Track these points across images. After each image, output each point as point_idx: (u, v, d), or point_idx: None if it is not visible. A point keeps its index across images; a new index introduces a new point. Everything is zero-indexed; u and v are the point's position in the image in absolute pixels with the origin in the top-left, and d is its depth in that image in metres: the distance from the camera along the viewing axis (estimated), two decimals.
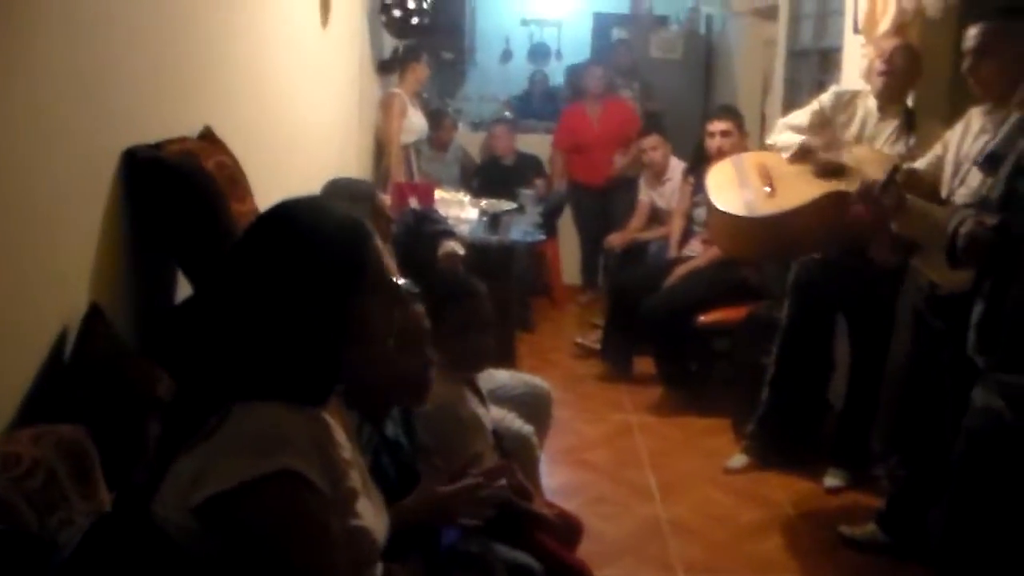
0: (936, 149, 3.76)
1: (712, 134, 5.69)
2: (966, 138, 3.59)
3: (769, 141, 4.59)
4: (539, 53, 10.78)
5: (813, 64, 6.25)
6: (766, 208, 4.08)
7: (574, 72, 9.04)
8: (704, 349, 5.90)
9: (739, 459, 4.85)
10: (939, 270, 3.44)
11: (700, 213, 5.89)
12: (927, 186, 3.66)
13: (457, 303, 2.92)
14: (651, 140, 6.68)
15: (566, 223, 8.23)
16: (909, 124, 4.27)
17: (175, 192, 2.60)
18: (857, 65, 4.85)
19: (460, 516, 2.26)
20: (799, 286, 4.63)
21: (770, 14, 7.19)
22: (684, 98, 8.27)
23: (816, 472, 4.69)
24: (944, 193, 3.57)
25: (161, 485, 1.54)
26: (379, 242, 1.74)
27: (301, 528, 1.52)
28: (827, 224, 4.03)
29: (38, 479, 1.56)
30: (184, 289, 2.82)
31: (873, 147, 4.23)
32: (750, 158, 4.49)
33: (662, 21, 9.57)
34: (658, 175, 6.78)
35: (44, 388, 2.04)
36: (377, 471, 2.02)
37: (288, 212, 1.71)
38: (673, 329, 5.69)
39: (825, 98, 4.47)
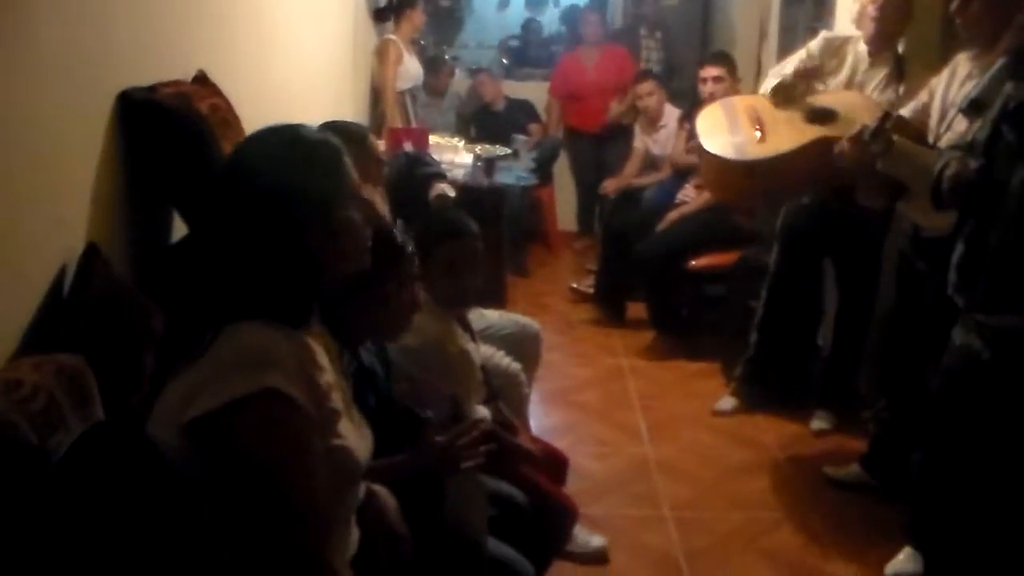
0: (922, 96, 3.79)
1: (704, 80, 5.72)
2: (952, 84, 3.62)
3: (761, 91, 4.61)
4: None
5: (808, 10, 6.26)
6: (756, 152, 4.12)
7: (571, 15, 9.00)
8: (695, 293, 5.97)
9: (727, 401, 4.94)
10: (924, 213, 3.50)
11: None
12: (914, 132, 3.70)
13: (446, 242, 2.97)
14: (646, 86, 6.69)
15: (562, 169, 8.26)
16: (899, 71, 4.28)
17: (169, 133, 2.64)
18: (850, 11, 4.87)
19: (461, 462, 2.35)
20: (787, 231, 4.69)
21: None
22: (681, 44, 8.24)
23: (803, 415, 4.78)
24: (931, 139, 3.61)
25: (154, 407, 1.62)
26: (350, 161, 1.83)
27: (285, 446, 1.59)
28: (816, 169, 4.07)
29: (39, 402, 1.63)
30: (180, 229, 2.88)
31: (863, 93, 4.26)
32: (740, 102, 4.50)
33: None
34: (653, 121, 6.80)
35: (44, 323, 2.10)
36: (357, 397, 2.08)
37: (259, 138, 1.80)
38: (665, 273, 5.76)
39: (814, 44, 4.48)
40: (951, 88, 3.62)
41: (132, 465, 1.46)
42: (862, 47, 4.36)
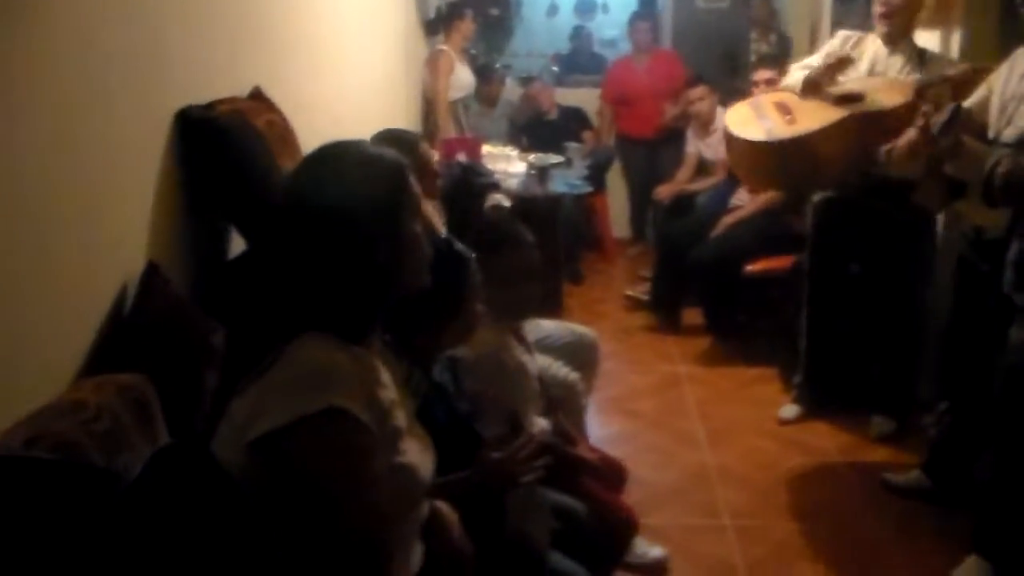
0: (981, 90, 3.75)
1: (757, 83, 5.69)
2: (1012, 78, 3.57)
3: (782, 85, 4.60)
4: (585, 7, 10.71)
5: (860, 9, 6.18)
6: (787, 133, 4.07)
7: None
8: (752, 298, 5.91)
9: (790, 409, 4.89)
10: (986, 213, 3.45)
11: None
12: (976, 127, 3.65)
13: (503, 252, 2.95)
14: (698, 91, 6.67)
15: (615, 176, 8.25)
16: (920, 59, 4.31)
17: (227, 151, 2.67)
18: None
19: (520, 477, 2.34)
20: (818, 230, 4.70)
21: None
22: (732, 47, 8.19)
23: (863, 420, 4.72)
24: (991, 134, 3.56)
25: (218, 426, 1.64)
26: (414, 177, 1.83)
27: (347, 464, 1.60)
28: (851, 148, 4.04)
29: (104, 423, 1.65)
30: (238, 245, 2.90)
31: (886, 76, 4.29)
32: (766, 98, 4.47)
33: None
34: (705, 126, 6.78)
35: (106, 342, 2.12)
36: (427, 415, 2.09)
37: (324, 153, 1.80)
38: (720, 279, 5.73)
39: (835, 41, 4.55)
40: (1011, 82, 3.57)
41: (201, 488, 1.47)
42: (878, 42, 4.40)
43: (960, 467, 3.91)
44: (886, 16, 4.30)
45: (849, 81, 4.31)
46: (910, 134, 3.69)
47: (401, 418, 1.77)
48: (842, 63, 4.30)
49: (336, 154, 1.79)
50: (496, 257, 2.89)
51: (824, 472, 4.35)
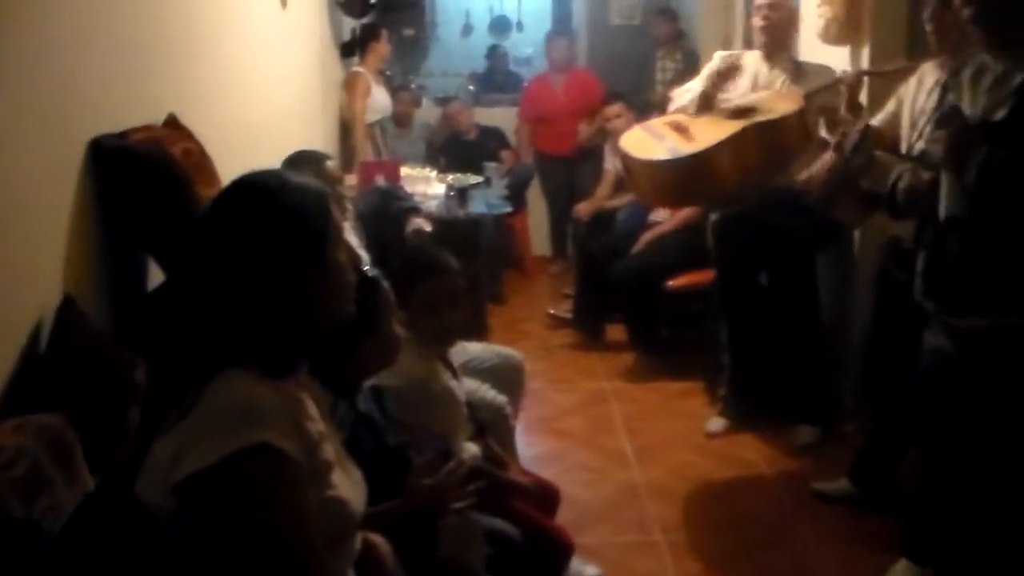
0: (890, 105, 3.84)
1: (672, 100, 5.72)
2: (920, 93, 3.65)
3: (672, 108, 4.68)
4: (500, 25, 10.77)
5: None
6: (691, 148, 4.10)
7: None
8: (674, 313, 5.96)
9: (717, 422, 4.91)
10: (903, 223, 3.52)
11: None
12: (887, 142, 3.72)
13: (428, 280, 2.94)
14: (614, 108, 6.69)
15: (534, 194, 8.26)
16: (798, 71, 4.48)
17: (142, 180, 2.62)
18: (814, 25, 4.91)
19: (451, 503, 2.32)
20: (720, 248, 4.78)
21: None
22: (644, 64, 8.27)
23: (790, 431, 4.75)
24: (904, 147, 3.64)
25: (142, 467, 1.58)
26: (336, 208, 1.79)
27: (279, 500, 1.56)
28: (752, 158, 4.09)
29: (21, 467, 1.59)
30: (156, 276, 2.84)
31: (773, 89, 4.42)
32: (656, 122, 4.52)
33: None
34: None
35: (22, 381, 2.06)
36: (355, 446, 2.06)
37: (247, 183, 1.75)
38: (643, 295, 5.76)
39: (714, 62, 4.67)
40: (919, 97, 3.64)
41: (128, 536, 1.42)
42: (758, 55, 4.58)
43: (886, 473, 3.97)
44: (766, 29, 4.52)
45: (737, 98, 4.40)
46: (825, 159, 3.77)
47: (330, 451, 1.73)
48: (730, 70, 4.40)
49: (256, 185, 1.74)
50: (421, 285, 2.87)
51: (753, 483, 4.38)
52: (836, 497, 4.10)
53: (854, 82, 3.91)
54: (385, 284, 2.45)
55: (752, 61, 4.61)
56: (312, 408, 1.72)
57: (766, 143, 4.00)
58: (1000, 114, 2.74)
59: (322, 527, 1.63)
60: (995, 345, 2.88)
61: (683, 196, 4.61)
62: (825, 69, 4.37)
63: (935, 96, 3.49)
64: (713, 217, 4.82)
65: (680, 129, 4.23)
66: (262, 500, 1.54)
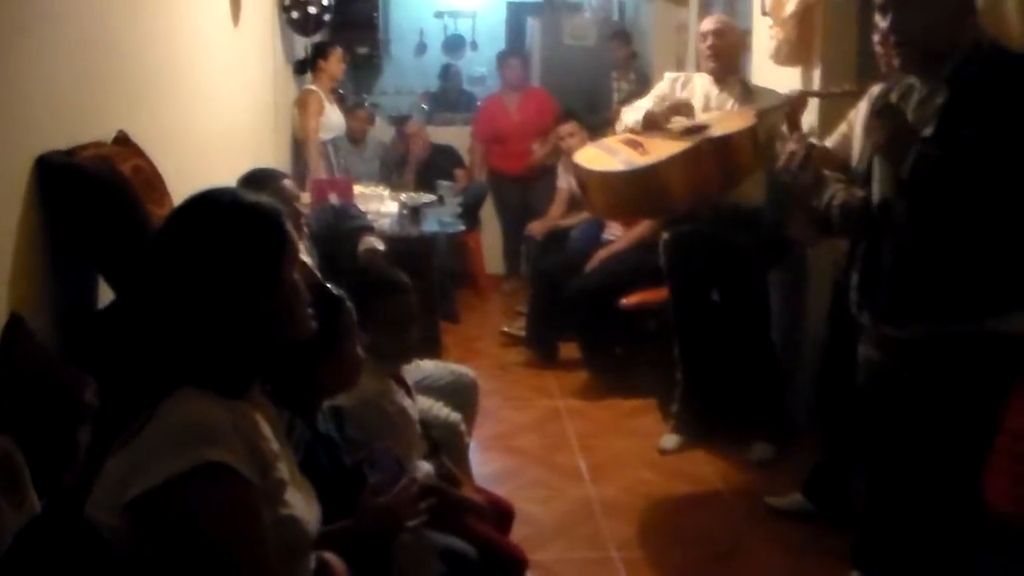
0: (842, 127, 3.87)
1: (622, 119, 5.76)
2: (869, 115, 3.69)
3: (620, 127, 4.70)
4: (454, 44, 10.78)
5: None
6: (645, 160, 4.14)
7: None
8: (628, 331, 5.96)
9: (670, 439, 4.93)
10: None
11: None
12: (838, 163, 3.76)
13: (382, 299, 2.94)
14: (568, 127, 6.70)
15: (488, 213, 8.27)
16: (747, 93, 4.55)
17: (91, 198, 2.59)
18: (766, 47, 4.96)
19: (405, 521, 2.31)
20: (671, 266, 4.84)
21: None
22: (598, 84, 8.32)
23: (744, 446, 4.79)
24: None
25: (92, 487, 1.56)
26: (291, 227, 1.78)
27: (232, 520, 1.54)
28: (706, 173, 4.12)
29: None
30: (106, 294, 2.81)
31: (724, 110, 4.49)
32: (611, 139, 4.58)
33: (575, 7, 9.62)
34: None
35: None
36: (312, 465, 2.05)
37: (201, 202, 1.73)
38: (596, 313, 5.77)
39: (663, 84, 4.77)
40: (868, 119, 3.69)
41: (76, 560, 1.40)
42: (707, 78, 4.65)
43: (839, 487, 4.00)
44: (713, 55, 4.59)
45: (688, 119, 4.43)
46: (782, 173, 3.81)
47: (284, 470, 1.71)
48: (680, 108, 4.43)
49: (210, 203, 1.72)
50: (376, 304, 2.86)
51: (707, 499, 4.39)
52: (790, 512, 4.13)
53: (796, 102, 3.96)
54: (348, 304, 2.44)
55: (702, 83, 4.66)
56: (266, 427, 1.71)
57: (719, 158, 4.04)
58: (927, 131, 2.81)
59: (276, 545, 1.62)
60: (927, 353, 2.94)
61: (637, 209, 4.65)
62: (774, 93, 4.42)
63: None
64: (665, 235, 4.85)
65: (634, 144, 4.26)
66: (215, 519, 1.53)
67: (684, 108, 4.45)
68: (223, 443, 1.56)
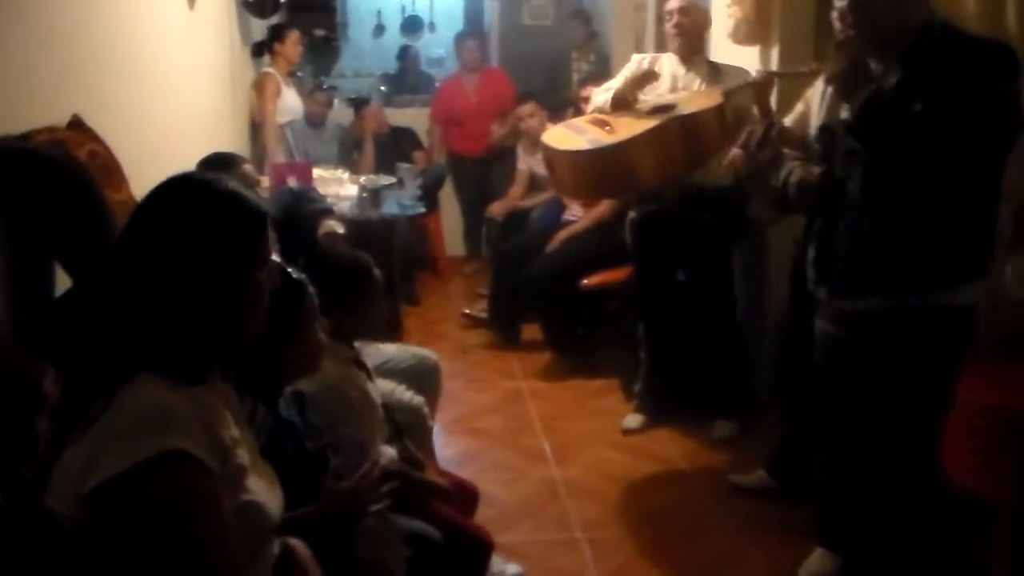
0: (799, 106, 3.89)
1: (586, 99, 5.75)
2: (827, 92, 3.71)
3: (589, 108, 4.72)
4: (412, 26, 10.71)
5: None
6: (611, 139, 4.16)
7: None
8: (590, 312, 5.98)
9: (633, 418, 4.95)
10: None
11: None
12: (797, 142, 3.78)
13: (344, 282, 2.93)
14: (527, 108, 6.70)
15: (447, 195, 8.24)
16: (715, 72, 4.56)
17: (46, 183, 2.54)
18: (724, 25, 4.97)
19: (368, 505, 2.30)
20: (637, 246, 4.86)
21: None
22: (557, 64, 8.30)
23: (706, 425, 4.82)
24: None
25: (51, 478, 1.54)
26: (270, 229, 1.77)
27: (193, 506, 1.53)
28: (672, 152, 4.14)
29: None
30: (63, 282, 2.77)
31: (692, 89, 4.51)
32: (579, 120, 4.62)
33: None
34: (535, 142, 6.76)
35: None
36: (274, 451, 2.03)
37: (186, 185, 1.72)
38: (558, 294, 5.76)
39: (631, 64, 4.76)
40: (825, 96, 3.70)
41: (36, 549, 1.38)
42: (674, 59, 4.66)
43: (802, 464, 4.04)
44: (678, 34, 4.61)
45: (656, 98, 4.45)
46: (733, 152, 3.83)
47: (245, 456, 1.70)
48: (647, 77, 4.45)
49: (195, 189, 1.71)
50: (336, 287, 2.84)
51: (671, 478, 4.42)
52: (754, 489, 4.17)
53: (764, 83, 3.97)
54: (310, 289, 2.42)
55: (669, 64, 4.67)
56: (225, 413, 1.70)
57: (686, 137, 4.05)
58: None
59: (239, 532, 1.61)
60: (882, 326, 3.00)
61: (604, 188, 4.64)
62: (741, 71, 4.43)
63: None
64: (632, 214, 4.86)
65: (601, 124, 4.28)
66: (176, 507, 1.51)
67: (650, 76, 4.48)
68: (182, 430, 1.54)
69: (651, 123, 4.09)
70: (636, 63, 4.74)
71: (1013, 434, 3.22)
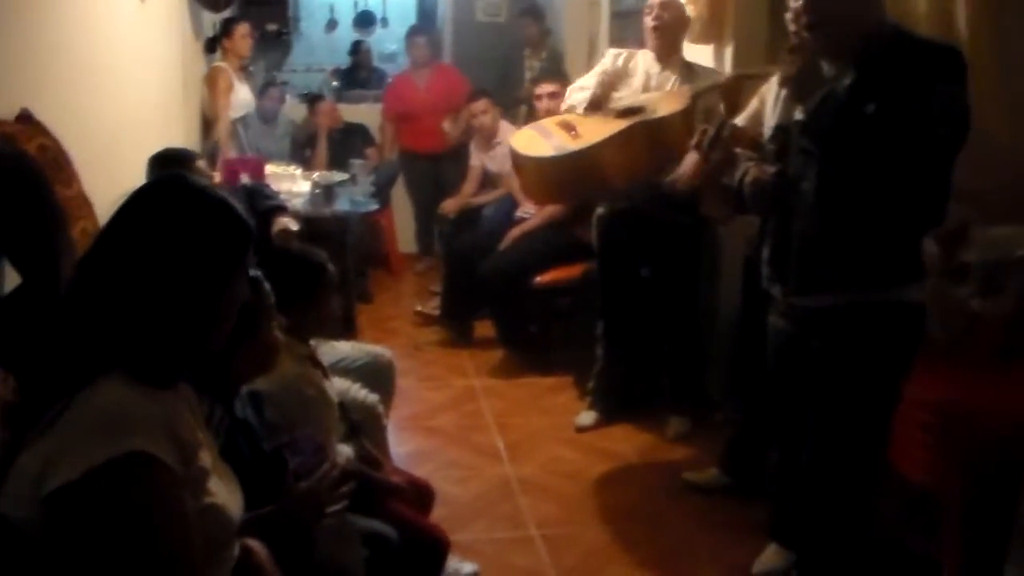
0: (753, 103, 3.92)
1: (540, 96, 5.76)
2: (781, 92, 3.73)
3: (564, 107, 4.72)
4: (364, 21, 10.65)
5: (636, 24, 6.34)
6: (575, 145, 4.18)
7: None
8: (543, 309, 5.97)
9: (587, 416, 4.96)
10: None
11: None
12: (749, 140, 3.81)
13: (300, 278, 2.91)
14: (480, 104, 6.69)
15: (399, 192, 8.20)
16: (689, 72, 4.54)
17: None
18: None
19: (327, 506, 2.29)
20: (602, 243, 4.86)
21: None
22: (510, 62, 8.29)
23: (659, 422, 4.84)
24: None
25: (6, 482, 1.51)
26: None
27: (156, 510, 1.51)
28: (637, 156, 4.17)
29: None
30: (12, 279, 2.72)
31: (662, 91, 4.49)
32: (548, 121, 4.62)
33: None
34: (488, 139, 6.81)
35: None
36: (232, 451, 2.01)
37: (174, 192, 1.70)
38: (511, 291, 5.76)
39: (606, 60, 4.74)
40: (780, 96, 3.73)
41: None
42: (650, 56, 4.61)
43: (754, 461, 4.06)
44: (657, 29, 4.52)
45: (627, 97, 4.46)
46: (690, 159, 3.86)
47: (207, 458, 1.68)
48: (621, 75, 4.46)
49: (187, 194, 1.69)
50: (292, 284, 2.81)
51: (625, 475, 4.43)
52: (707, 486, 4.19)
53: (732, 85, 3.99)
54: (266, 286, 2.40)
55: (644, 61, 4.64)
56: (188, 415, 1.68)
57: (651, 141, 4.07)
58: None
59: (201, 535, 1.59)
60: (835, 322, 3.04)
61: (570, 193, 4.67)
62: (714, 72, 4.45)
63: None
64: (600, 211, 4.85)
65: (568, 127, 4.30)
66: (138, 510, 1.49)
67: (623, 76, 4.54)
68: (145, 432, 1.52)
69: (616, 127, 4.11)
70: (612, 58, 4.71)
71: (962, 430, 3.25)
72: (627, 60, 4.67)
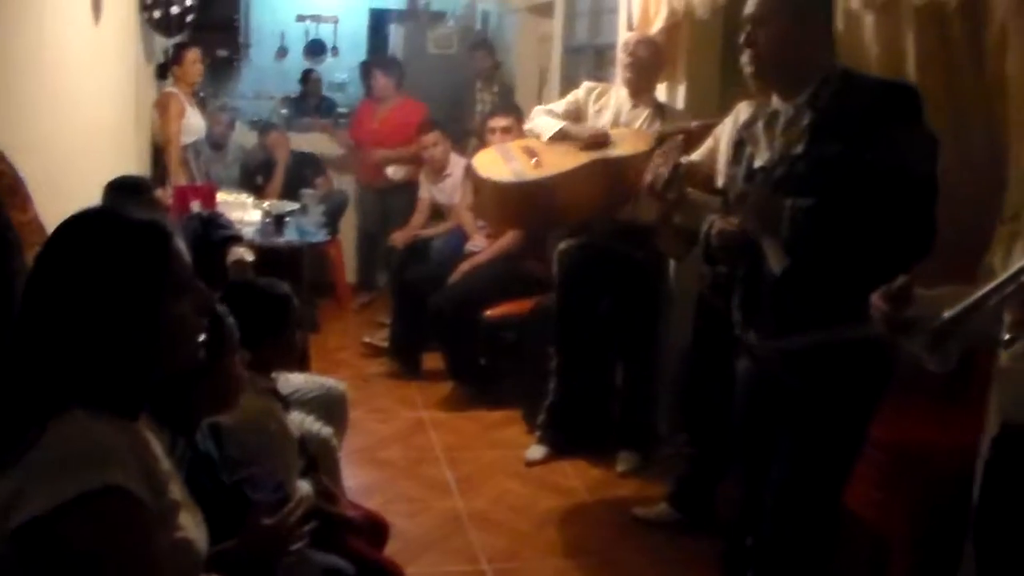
0: (708, 141, 3.97)
1: (493, 130, 5.78)
2: (735, 130, 3.78)
3: (527, 127, 4.76)
4: (315, 49, 10.64)
5: (589, 60, 6.42)
6: (534, 174, 4.21)
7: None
8: (492, 342, 5.96)
9: (536, 450, 4.97)
10: None
11: None
12: (703, 177, 3.86)
13: (266, 310, 2.90)
14: (430, 137, 6.67)
15: (347, 222, 8.16)
16: (660, 113, 4.58)
17: None
18: None
19: (289, 543, 2.27)
20: (563, 275, 4.87)
21: (546, 11, 7.35)
22: (461, 94, 8.32)
23: (609, 457, 4.85)
24: (720, 182, 3.76)
25: None
26: (182, 248, 1.73)
27: (130, 545, 1.50)
28: (594, 191, 4.22)
29: None
30: None
31: (630, 127, 4.53)
32: (513, 144, 4.66)
33: (438, 17, 9.59)
34: (438, 171, 6.78)
35: None
36: (194, 485, 1.98)
37: (84, 222, 1.68)
38: (460, 324, 5.75)
39: (580, 91, 4.77)
40: (735, 134, 3.78)
41: None
42: (623, 92, 4.64)
43: (704, 496, 4.09)
44: (632, 67, 4.54)
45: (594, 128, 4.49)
46: (642, 200, 3.90)
47: (176, 491, 1.67)
48: (578, 114, 4.51)
49: (90, 226, 1.66)
50: (255, 314, 2.79)
51: (575, 510, 4.44)
52: (657, 521, 4.20)
53: (698, 134, 4.02)
54: (230, 320, 2.37)
55: (617, 96, 4.67)
56: (157, 448, 1.66)
57: (610, 178, 4.12)
58: (798, 149, 2.89)
59: (171, 570, 1.57)
60: (808, 362, 3.02)
61: (523, 220, 4.70)
62: (686, 116, 4.49)
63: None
64: (562, 246, 4.88)
65: (531, 153, 4.31)
66: (110, 545, 1.47)
67: (579, 115, 4.58)
68: (119, 465, 1.50)
69: (577, 161, 4.14)
70: (585, 91, 4.75)
71: (910, 468, 3.29)
72: (600, 94, 4.70)
